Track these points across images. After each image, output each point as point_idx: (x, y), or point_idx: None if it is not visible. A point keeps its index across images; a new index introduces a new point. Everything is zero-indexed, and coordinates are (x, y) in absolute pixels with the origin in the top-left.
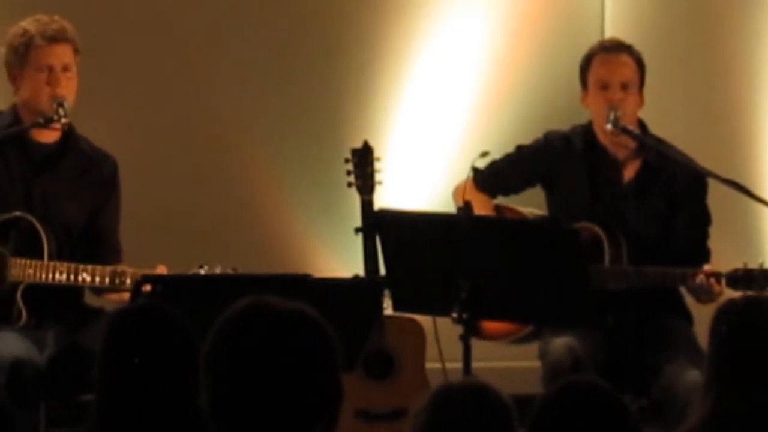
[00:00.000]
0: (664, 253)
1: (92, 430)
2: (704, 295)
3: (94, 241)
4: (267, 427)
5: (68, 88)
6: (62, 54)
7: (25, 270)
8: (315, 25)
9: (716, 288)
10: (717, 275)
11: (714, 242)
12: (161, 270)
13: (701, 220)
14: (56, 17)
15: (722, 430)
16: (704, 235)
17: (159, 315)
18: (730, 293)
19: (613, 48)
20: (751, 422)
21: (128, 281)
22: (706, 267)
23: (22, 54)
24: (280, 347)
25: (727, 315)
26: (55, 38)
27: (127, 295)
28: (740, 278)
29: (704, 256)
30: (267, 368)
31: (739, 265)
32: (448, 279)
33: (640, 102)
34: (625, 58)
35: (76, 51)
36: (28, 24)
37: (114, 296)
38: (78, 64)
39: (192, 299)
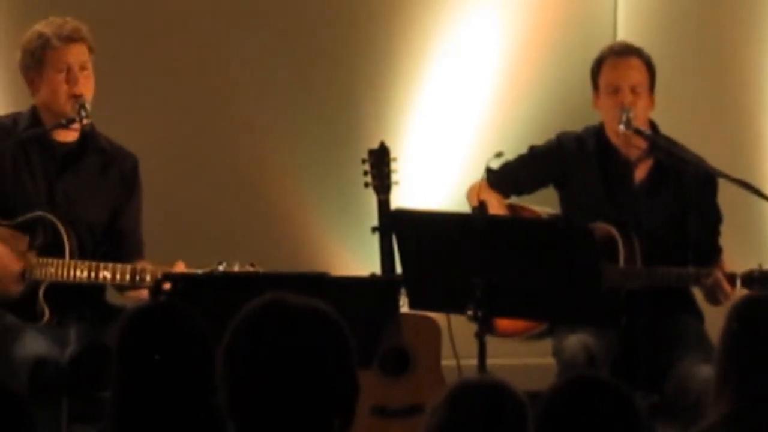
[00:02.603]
0: (676, 252)
1: (109, 426)
2: (713, 296)
3: (116, 239)
4: (284, 423)
5: (86, 87)
6: (78, 53)
7: (46, 269)
8: (332, 27)
9: (727, 288)
10: (732, 276)
11: (725, 242)
12: (180, 267)
13: (713, 218)
14: (68, 18)
15: (740, 430)
16: (716, 233)
17: (174, 313)
18: (744, 293)
19: (623, 52)
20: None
21: (148, 278)
22: (720, 268)
23: (40, 56)
24: (296, 344)
25: (739, 313)
26: (71, 38)
27: (146, 293)
28: (756, 279)
29: (716, 253)
30: (283, 365)
31: (750, 265)
32: (464, 277)
33: (651, 104)
34: (635, 62)
35: (90, 50)
36: (42, 27)
37: (133, 294)
38: (93, 62)
39: (211, 297)
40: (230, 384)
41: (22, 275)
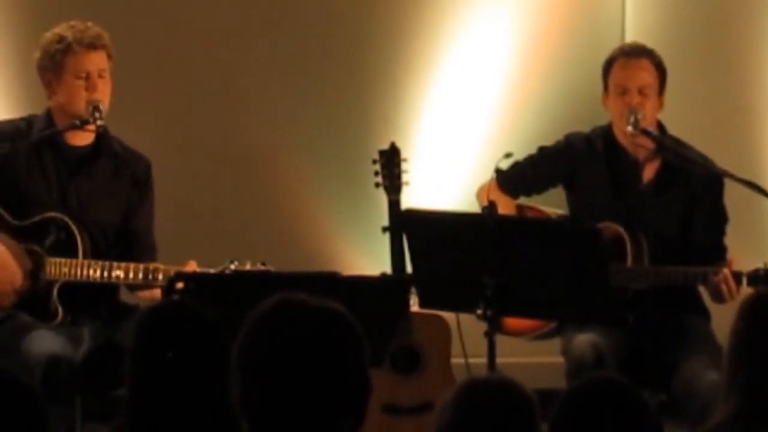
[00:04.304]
0: (683, 251)
1: (123, 424)
2: (718, 295)
3: (129, 240)
4: (296, 420)
5: (104, 93)
6: (98, 60)
7: (60, 268)
8: (343, 28)
9: (733, 287)
10: (738, 275)
11: (731, 241)
12: (192, 266)
13: (718, 218)
14: (90, 24)
15: (748, 428)
16: (721, 233)
17: (188, 312)
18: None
19: (633, 53)
20: None
21: (161, 278)
22: (727, 267)
23: (59, 60)
24: (309, 343)
25: (748, 310)
26: (93, 45)
27: (158, 293)
28: (761, 277)
29: (721, 253)
30: (296, 363)
31: (756, 264)
32: (473, 277)
33: (659, 105)
34: (645, 63)
35: (109, 56)
36: (63, 31)
37: (146, 294)
38: (111, 68)
39: (223, 297)
40: (243, 380)
41: (18, 290)
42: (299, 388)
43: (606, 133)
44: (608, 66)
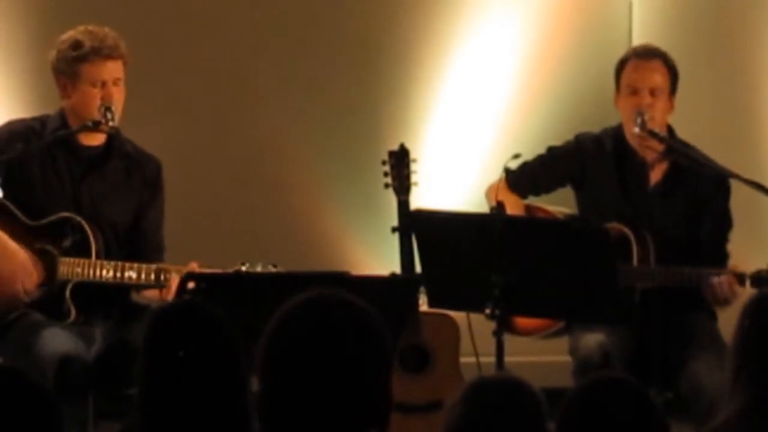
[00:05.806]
0: (689, 253)
1: (135, 423)
2: (716, 298)
3: (138, 240)
4: (312, 427)
5: (118, 100)
6: (114, 69)
7: (73, 268)
8: (353, 31)
9: (736, 288)
10: (741, 276)
11: (735, 242)
12: (193, 267)
13: (723, 224)
14: (107, 29)
15: (753, 428)
16: (724, 239)
17: (199, 311)
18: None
19: (646, 54)
20: None
21: (172, 279)
22: (731, 269)
23: (75, 67)
24: (337, 343)
25: (751, 309)
26: (111, 55)
27: (164, 293)
28: (765, 278)
29: (722, 259)
30: (322, 362)
31: (760, 264)
32: (482, 276)
33: (670, 108)
34: (657, 65)
35: (125, 64)
36: (81, 36)
37: (151, 294)
38: (126, 75)
39: (234, 297)
40: (266, 377)
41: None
42: (320, 389)
43: (616, 134)
44: (621, 66)
